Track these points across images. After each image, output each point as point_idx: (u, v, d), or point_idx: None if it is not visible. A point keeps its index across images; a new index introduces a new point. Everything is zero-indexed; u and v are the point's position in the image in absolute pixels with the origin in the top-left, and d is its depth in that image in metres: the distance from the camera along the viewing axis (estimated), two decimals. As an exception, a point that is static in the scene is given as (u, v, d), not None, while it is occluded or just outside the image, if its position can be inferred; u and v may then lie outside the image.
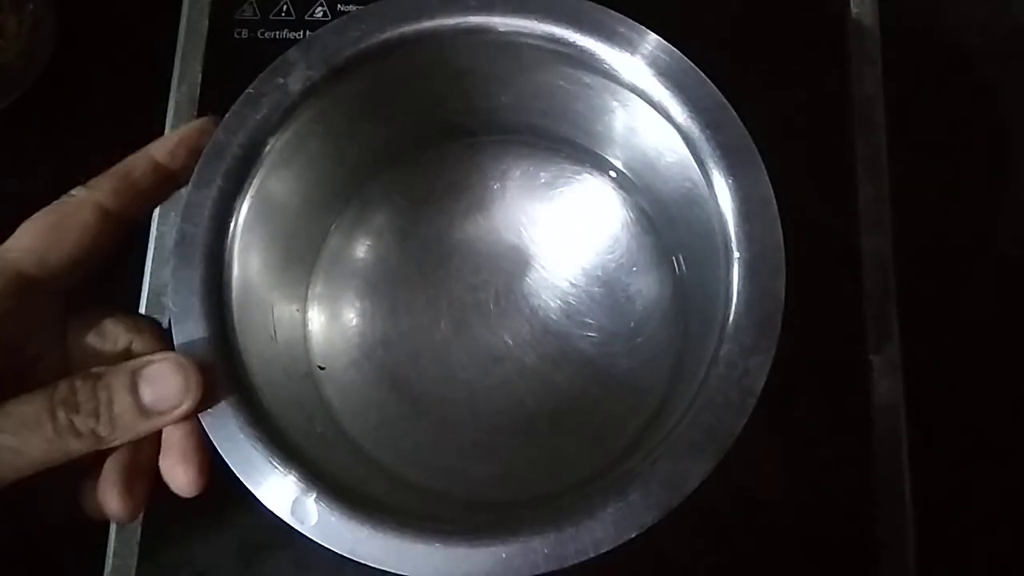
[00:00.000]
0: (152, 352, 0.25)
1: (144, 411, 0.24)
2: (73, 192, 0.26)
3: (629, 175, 0.33)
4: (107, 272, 0.27)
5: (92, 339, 0.26)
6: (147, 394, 0.24)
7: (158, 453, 0.25)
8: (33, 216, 0.25)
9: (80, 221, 0.25)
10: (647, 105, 0.27)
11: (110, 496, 0.25)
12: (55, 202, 0.26)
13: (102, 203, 0.26)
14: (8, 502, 0.23)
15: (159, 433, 0.25)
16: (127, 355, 0.26)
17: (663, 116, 0.27)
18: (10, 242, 0.25)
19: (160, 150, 0.27)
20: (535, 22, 0.27)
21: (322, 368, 0.32)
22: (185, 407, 0.24)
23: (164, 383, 0.24)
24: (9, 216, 0.26)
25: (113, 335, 0.26)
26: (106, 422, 0.23)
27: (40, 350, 0.25)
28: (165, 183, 0.27)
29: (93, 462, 0.25)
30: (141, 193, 0.26)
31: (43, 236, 0.25)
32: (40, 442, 0.23)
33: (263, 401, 0.25)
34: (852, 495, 0.33)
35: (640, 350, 0.32)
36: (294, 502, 0.24)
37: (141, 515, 0.26)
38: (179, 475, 0.25)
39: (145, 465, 0.25)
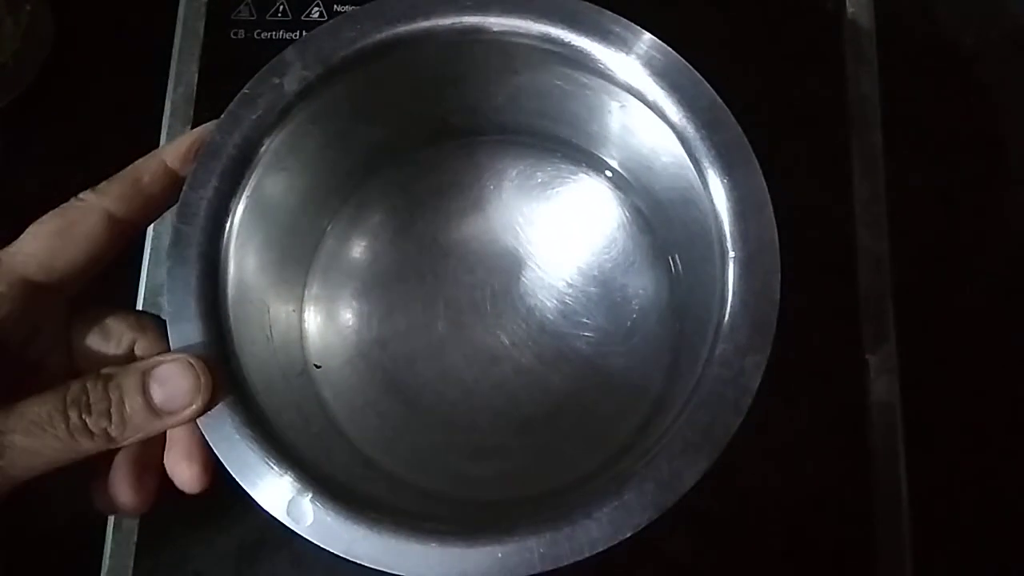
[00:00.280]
0: (156, 350, 0.25)
1: (155, 411, 0.24)
2: (82, 196, 0.26)
3: (625, 175, 0.33)
4: (105, 272, 0.27)
5: (96, 338, 0.26)
6: (158, 395, 0.24)
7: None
8: (40, 219, 0.25)
9: (87, 228, 0.25)
10: (642, 105, 0.27)
11: (122, 488, 0.25)
12: (63, 205, 0.25)
13: (110, 210, 0.25)
14: (17, 501, 0.23)
15: None
16: (131, 353, 0.26)
17: (658, 116, 0.27)
18: (16, 245, 0.25)
19: (172, 154, 0.26)
20: (530, 22, 0.27)
21: (318, 366, 0.32)
22: (195, 407, 0.24)
23: (175, 384, 0.24)
24: (6, 216, 0.25)
25: (117, 333, 0.26)
26: (118, 422, 0.23)
27: (45, 351, 0.25)
28: (174, 189, 0.26)
29: (102, 458, 0.25)
30: (150, 199, 0.26)
31: (49, 241, 0.25)
32: (53, 442, 0.23)
33: (259, 402, 0.25)
34: (849, 494, 0.33)
35: (636, 349, 0.32)
36: (290, 502, 0.24)
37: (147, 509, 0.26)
38: (183, 471, 0.25)
39: (156, 457, 0.26)
